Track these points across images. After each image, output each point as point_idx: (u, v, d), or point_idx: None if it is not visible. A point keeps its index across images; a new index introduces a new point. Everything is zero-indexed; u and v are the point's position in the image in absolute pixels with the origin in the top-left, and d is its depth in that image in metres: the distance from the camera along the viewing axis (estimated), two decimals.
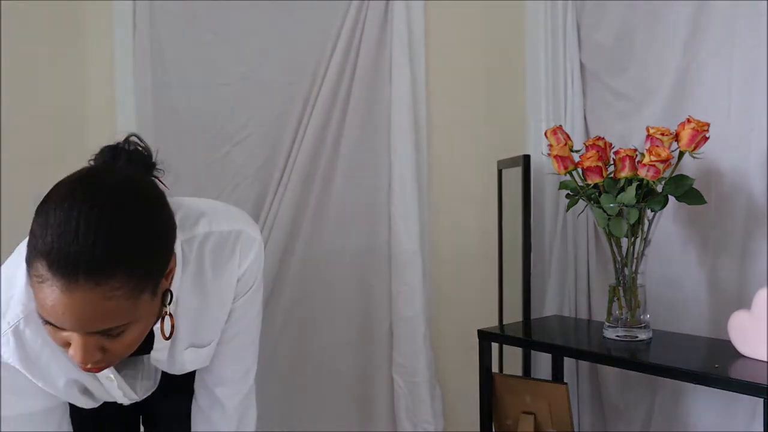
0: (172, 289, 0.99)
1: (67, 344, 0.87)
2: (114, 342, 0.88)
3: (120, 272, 0.82)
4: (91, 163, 0.94)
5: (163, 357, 1.10)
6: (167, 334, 0.99)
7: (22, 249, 1.00)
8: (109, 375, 1.07)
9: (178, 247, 1.00)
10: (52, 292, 0.80)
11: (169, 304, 0.98)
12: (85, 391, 1.10)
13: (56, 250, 0.80)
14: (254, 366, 1.25)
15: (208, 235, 1.05)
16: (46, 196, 0.86)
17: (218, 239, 1.05)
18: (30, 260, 0.83)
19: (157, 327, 1.00)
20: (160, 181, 0.98)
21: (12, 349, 0.98)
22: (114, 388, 1.11)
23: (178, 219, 1.00)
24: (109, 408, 1.22)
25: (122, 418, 1.29)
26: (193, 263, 1.04)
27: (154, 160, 0.98)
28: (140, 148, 0.97)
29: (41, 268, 0.81)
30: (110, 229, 0.81)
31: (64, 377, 1.04)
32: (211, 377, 1.20)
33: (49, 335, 0.88)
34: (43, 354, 1.00)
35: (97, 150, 0.96)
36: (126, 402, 1.17)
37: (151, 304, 0.90)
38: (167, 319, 0.99)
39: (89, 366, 0.89)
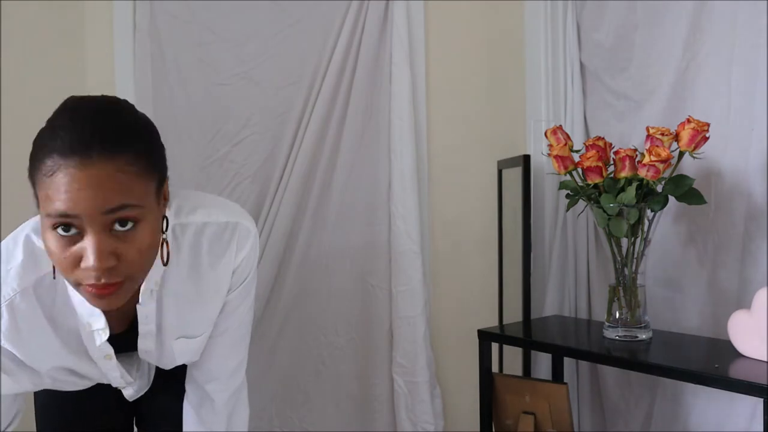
0: (166, 272, 1.02)
1: (78, 260, 0.86)
2: (126, 245, 0.87)
3: (131, 150, 0.87)
4: None
5: (152, 348, 1.10)
6: (165, 260, 0.99)
7: (22, 227, 1.03)
8: (108, 353, 1.07)
9: (169, 229, 1.01)
10: (65, 175, 0.82)
11: (165, 230, 0.99)
12: (70, 372, 1.10)
13: (69, 137, 0.84)
14: (244, 362, 1.25)
15: (206, 225, 1.06)
16: (40, 130, 0.89)
17: (216, 230, 1.07)
18: (37, 163, 0.86)
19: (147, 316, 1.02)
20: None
21: (6, 324, 0.98)
22: (112, 367, 1.10)
23: (174, 205, 1.03)
24: (102, 408, 1.22)
25: (115, 418, 1.29)
26: (190, 252, 1.05)
27: None
28: None
29: (52, 160, 0.83)
30: (116, 116, 0.89)
31: (51, 361, 1.05)
32: (200, 373, 1.21)
33: (59, 252, 0.86)
34: (35, 331, 1.00)
35: None
36: (122, 385, 1.16)
37: (155, 204, 0.92)
38: (164, 246, 0.99)
39: (103, 281, 0.86)
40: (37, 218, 0.99)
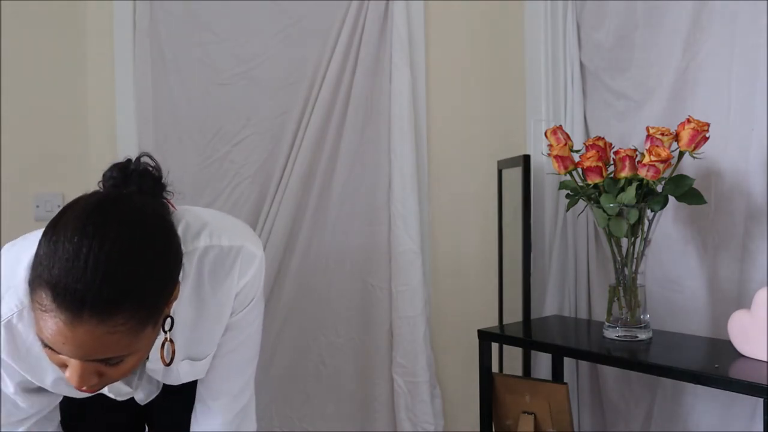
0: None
1: (63, 365, 0.87)
2: (111, 368, 0.88)
3: (125, 310, 0.82)
4: (101, 185, 0.93)
5: (158, 367, 1.10)
6: (168, 360, 0.99)
7: (26, 242, 0.99)
8: None
9: None
10: (55, 324, 0.81)
11: (170, 330, 0.97)
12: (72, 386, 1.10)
13: (63, 284, 0.80)
14: (252, 380, 1.23)
15: (209, 249, 1.03)
16: (55, 221, 0.85)
17: (218, 254, 1.04)
18: (33, 286, 0.83)
19: (156, 348, 0.99)
20: (169, 202, 0.97)
21: (3, 342, 0.97)
22: (104, 390, 1.11)
23: (180, 230, 0.99)
24: (112, 414, 1.22)
25: (124, 421, 1.29)
26: (192, 276, 1.03)
27: (163, 181, 0.97)
28: (150, 168, 0.95)
29: (45, 298, 0.81)
30: (119, 269, 0.82)
31: (52, 375, 1.04)
32: (207, 391, 1.20)
33: (47, 356, 0.88)
34: (33, 351, 0.99)
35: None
36: (114, 397, 1.16)
37: (152, 334, 0.91)
38: (167, 345, 0.98)
39: (84, 388, 0.88)
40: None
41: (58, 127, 1.96)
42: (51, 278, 0.80)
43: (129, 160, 0.94)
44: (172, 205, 0.99)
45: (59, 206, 1.92)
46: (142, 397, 1.19)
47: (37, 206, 1.93)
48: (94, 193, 0.90)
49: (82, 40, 2.00)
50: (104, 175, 0.93)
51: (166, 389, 1.22)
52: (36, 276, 0.83)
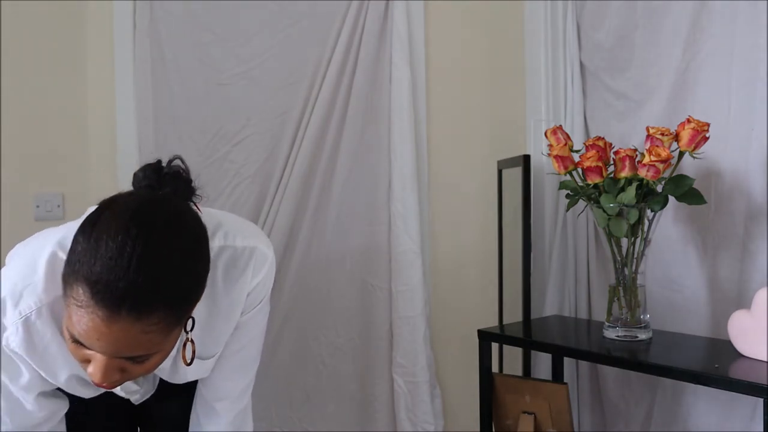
0: None
1: (86, 361, 0.88)
2: (136, 366, 0.90)
3: (161, 310, 0.84)
4: (133, 185, 0.95)
5: (166, 366, 1.11)
6: (189, 360, 1.01)
7: (40, 239, 1.00)
8: None
9: None
10: (91, 320, 0.82)
11: (191, 330, 0.99)
12: (85, 384, 1.10)
13: (104, 281, 0.81)
14: (252, 382, 1.25)
15: (223, 249, 1.05)
16: (94, 220, 0.86)
17: (232, 254, 1.06)
18: (70, 281, 0.84)
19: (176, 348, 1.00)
20: (196, 205, 0.99)
21: (20, 339, 0.98)
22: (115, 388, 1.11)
23: None
24: (106, 411, 1.22)
25: (119, 421, 1.29)
26: None
27: (193, 184, 0.99)
28: (182, 171, 0.97)
29: (83, 293, 0.82)
30: (161, 269, 0.84)
31: (67, 372, 1.04)
32: (210, 392, 1.21)
33: (71, 351, 0.89)
34: (50, 348, 1.00)
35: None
36: (124, 395, 1.17)
37: (178, 334, 0.93)
38: (189, 345, 1.00)
39: (105, 384, 0.90)
40: (64, 231, 0.96)
41: (58, 127, 1.96)
42: (91, 275, 0.81)
43: (160, 162, 0.96)
44: (198, 208, 1.00)
45: (59, 206, 1.92)
46: (137, 396, 1.19)
47: (37, 206, 1.93)
48: (131, 193, 0.92)
49: (82, 40, 2.00)
50: (136, 176, 0.95)
51: (161, 389, 1.23)
52: (73, 271, 0.84)
